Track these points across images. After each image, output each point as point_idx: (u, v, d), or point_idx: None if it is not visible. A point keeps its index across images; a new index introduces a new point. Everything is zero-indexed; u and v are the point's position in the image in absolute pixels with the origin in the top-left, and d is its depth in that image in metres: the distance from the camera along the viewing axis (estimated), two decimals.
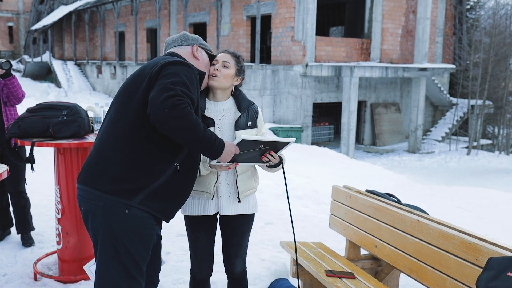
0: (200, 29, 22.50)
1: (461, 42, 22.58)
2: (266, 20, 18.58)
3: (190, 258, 2.72)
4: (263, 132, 2.69)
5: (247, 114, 2.59)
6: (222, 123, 2.54)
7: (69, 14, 31.71)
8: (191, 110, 1.94)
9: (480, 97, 21.70)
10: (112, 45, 28.72)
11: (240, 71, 2.58)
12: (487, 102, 22.34)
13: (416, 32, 18.87)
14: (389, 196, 3.17)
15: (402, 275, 3.29)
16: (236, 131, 2.51)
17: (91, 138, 3.41)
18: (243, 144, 2.35)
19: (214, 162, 2.31)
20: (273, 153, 2.42)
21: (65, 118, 3.42)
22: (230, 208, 2.56)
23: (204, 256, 2.69)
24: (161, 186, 2.07)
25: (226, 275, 2.82)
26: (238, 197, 2.54)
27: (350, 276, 2.85)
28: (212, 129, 2.46)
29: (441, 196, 7.40)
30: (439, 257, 2.40)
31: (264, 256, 4.12)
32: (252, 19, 18.83)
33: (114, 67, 27.47)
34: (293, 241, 2.71)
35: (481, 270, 1.96)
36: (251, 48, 18.93)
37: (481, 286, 1.89)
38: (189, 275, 3.04)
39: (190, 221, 2.65)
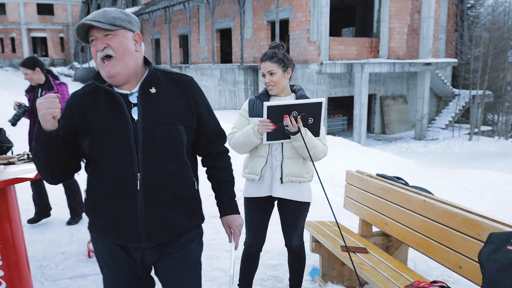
0: (226, 34, 22.53)
1: (463, 38, 22.17)
2: (285, 24, 18.49)
3: (245, 233, 2.74)
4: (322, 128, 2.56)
5: None
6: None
7: None
8: None
9: (481, 88, 21.37)
10: (149, 50, 29.02)
11: (284, 65, 2.53)
12: (487, 92, 22.03)
13: (421, 30, 18.51)
14: (398, 179, 3.15)
15: (410, 249, 3.28)
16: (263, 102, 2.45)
17: None
18: (273, 113, 2.34)
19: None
20: (292, 119, 2.34)
21: None
22: (281, 192, 2.56)
23: (257, 233, 2.72)
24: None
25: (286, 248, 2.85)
26: (281, 179, 2.53)
27: (363, 251, 2.86)
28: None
29: (445, 178, 7.29)
30: (444, 233, 2.39)
31: None
32: (272, 24, 18.77)
33: None
34: (313, 221, 2.72)
35: (483, 244, 1.94)
36: None
37: (482, 259, 1.87)
38: (224, 251, 3.10)
39: (247, 202, 2.69)
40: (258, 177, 2.55)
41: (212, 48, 21.96)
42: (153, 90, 1.67)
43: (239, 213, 1.88)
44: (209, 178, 1.93)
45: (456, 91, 21.64)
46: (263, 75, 2.56)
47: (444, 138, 19.26)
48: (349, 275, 3.16)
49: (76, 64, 38.76)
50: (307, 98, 2.56)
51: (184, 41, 25.97)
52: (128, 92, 1.66)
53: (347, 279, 3.17)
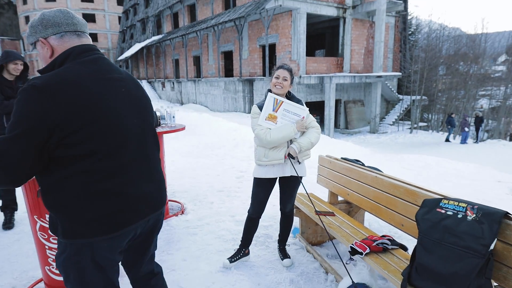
0: (228, 55, 22.35)
1: (405, 57, 22.18)
2: (272, 47, 18.35)
3: (251, 204, 2.72)
4: (309, 116, 2.63)
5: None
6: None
7: (142, 49, 31.86)
8: (3, 152, 1.12)
9: (419, 94, 21.54)
10: (171, 68, 28.79)
11: (292, 80, 2.55)
12: (424, 97, 22.10)
13: (374, 51, 18.46)
14: (357, 161, 3.16)
15: (366, 213, 3.30)
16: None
17: (158, 130, 3.44)
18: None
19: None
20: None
21: None
22: (288, 171, 2.56)
23: (259, 204, 2.69)
24: None
25: (279, 213, 2.86)
26: (298, 161, 2.54)
27: (331, 214, 2.87)
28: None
29: (392, 161, 7.33)
30: (390, 200, 2.41)
31: (275, 203, 4.16)
32: (263, 47, 18.62)
33: (173, 83, 27.58)
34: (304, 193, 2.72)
35: (418, 207, 1.97)
36: (263, 67, 18.77)
37: (418, 218, 1.90)
38: (230, 216, 3.08)
39: (257, 180, 2.65)
40: (283, 161, 2.51)
41: (218, 65, 21.81)
42: None
43: None
44: None
45: (401, 96, 21.68)
46: (277, 78, 2.50)
47: (391, 132, 19.31)
48: (321, 232, 3.18)
49: None
50: (298, 99, 2.61)
51: (197, 60, 25.75)
52: None
53: (320, 235, 3.20)
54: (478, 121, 17.35)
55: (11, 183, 1.18)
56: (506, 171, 7.13)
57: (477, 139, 17.32)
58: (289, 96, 2.61)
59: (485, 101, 26.63)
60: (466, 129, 16.07)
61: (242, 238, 2.83)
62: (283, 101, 2.50)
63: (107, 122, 1.24)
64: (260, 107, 2.56)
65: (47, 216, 2.15)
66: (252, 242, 2.89)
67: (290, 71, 2.53)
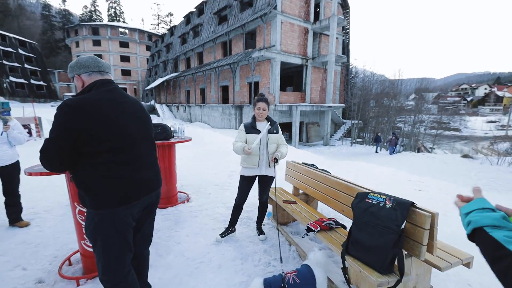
0: (225, 88, 22.35)
1: (348, 93, 22.75)
2: (257, 83, 18.47)
3: (237, 194, 2.68)
4: (281, 135, 2.61)
5: (274, 126, 2.55)
6: (263, 132, 2.49)
7: (163, 82, 31.45)
8: (47, 148, 1.22)
9: (356, 119, 21.93)
10: (184, 96, 28.48)
11: (269, 107, 2.54)
12: (360, 121, 22.56)
13: (327, 89, 18.85)
14: (312, 165, 3.18)
15: (319, 202, 3.30)
16: (268, 134, 2.50)
17: (172, 140, 3.37)
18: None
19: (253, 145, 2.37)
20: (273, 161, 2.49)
21: (159, 130, 3.39)
22: (266, 172, 2.54)
23: (243, 195, 2.65)
24: None
25: (257, 201, 2.82)
26: (269, 165, 2.50)
27: (294, 202, 2.85)
28: (258, 135, 2.45)
29: (338, 166, 7.41)
30: (335, 193, 2.41)
31: (256, 194, 4.12)
32: (250, 83, 18.70)
33: (185, 107, 27.25)
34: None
35: (354, 198, 1.98)
36: (249, 97, 18.82)
37: (353, 206, 1.91)
38: (222, 203, 3.01)
39: (242, 178, 2.61)
40: (256, 166, 2.50)
41: (217, 95, 21.71)
42: None
43: None
44: None
45: (344, 120, 22.13)
46: (258, 109, 2.48)
47: (338, 145, 19.54)
48: (287, 215, 3.16)
49: (142, 103, 37.56)
50: (274, 120, 2.60)
51: (202, 91, 25.60)
52: None
53: (286, 217, 3.17)
54: (395, 139, 17.99)
55: (53, 170, 1.28)
56: (415, 173, 7.34)
57: (394, 152, 17.91)
58: (268, 118, 2.60)
59: (401, 125, 27.56)
60: (394, 146, 16.53)
61: (230, 219, 2.78)
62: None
63: (120, 130, 1.34)
64: (246, 125, 2.57)
65: None
66: (237, 223, 2.84)
67: (266, 101, 2.52)
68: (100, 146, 1.27)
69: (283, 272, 1.89)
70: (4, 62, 41.30)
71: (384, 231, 1.67)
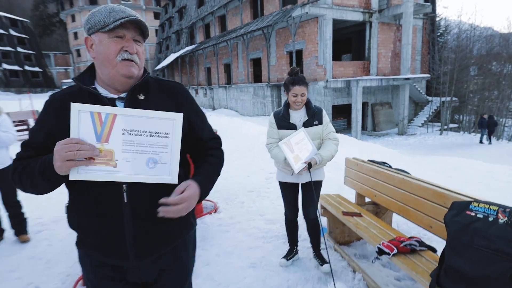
0: (257, 62, 22.53)
1: (434, 59, 21.22)
2: (299, 53, 18.28)
3: (284, 206, 2.77)
4: (328, 126, 2.56)
5: (314, 116, 2.50)
6: (300, 124, 2.51)
7: (177, 58, 32.85)
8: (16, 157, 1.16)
9: (449, 95, 20.41)
10: (203, 75, 29.45)
11: (308, 86, 2.52)
12: (454, 99, 20.96)
13: (402, 54, 17.85)
14: (383, 163, 3.10)
15: (394, 214, 3.22)
16: (305, 127, 2.49)
17: None
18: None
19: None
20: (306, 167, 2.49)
21: None
22: (303, 178, 2.57)
23: (290, 204, 2.73)
24: None
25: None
26: (309, 170, 2.48)
27: (358, 214, 2.83)
28: (292, 131, 2.46)
29: (421, 163, 7.06)
30: (418, 202, 2.35)
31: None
32: (290, 53, 18.59)
33: (205, 90, 28.20)
34: (322, 194, 2.70)
35: (447, 210, 1.90)
36: None
37: (447, 220, 1.83)
38: (260, 215, 3.11)
39: (280, 183, 2.70)
40: (291, 173, 2.55)
41: (247, 72, 22.03)
42: (141, 97, 1.18)
43: (201, 188, 1.19)
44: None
45: (430, 98, 20.76)
46: (295, 95, 2.41)
47: (420, 134, 18.52)
48: (349, 232, 3.14)
49: None
50: (315, 107, 2.54)
51: (227, 68, 26.16)
52: (115, 96, 1.17)
53: (347, 235, 3.16)
54: (493, 124, 16.30)
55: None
56: None
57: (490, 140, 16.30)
58: (307, 103, 2.55)
59: None
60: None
61: (288, 239, 2.86)
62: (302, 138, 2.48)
63: None
64: (276, 116, 2.55)
65: None
66: (280, 241, 2.91)
67: (305, 83, 2.45)
68: None
69: None
70: None
71: (496, 257, 1.57)
